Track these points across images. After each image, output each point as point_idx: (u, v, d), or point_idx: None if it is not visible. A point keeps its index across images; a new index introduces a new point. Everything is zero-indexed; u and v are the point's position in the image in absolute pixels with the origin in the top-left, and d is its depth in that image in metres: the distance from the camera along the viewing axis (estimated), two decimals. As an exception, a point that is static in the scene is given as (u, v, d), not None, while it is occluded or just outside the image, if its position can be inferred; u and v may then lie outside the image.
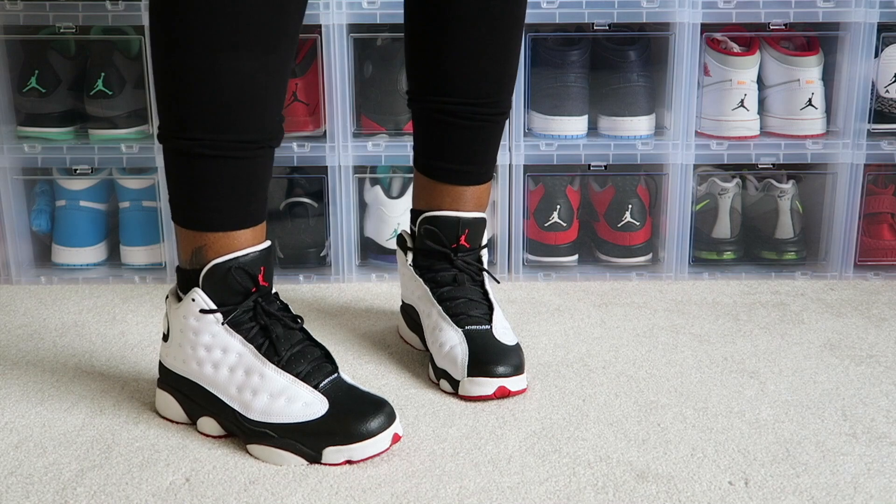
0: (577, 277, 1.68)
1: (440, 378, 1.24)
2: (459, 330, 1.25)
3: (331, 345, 1.38)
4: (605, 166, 1.65)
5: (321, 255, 1.69)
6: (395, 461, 1.06)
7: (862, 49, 1.59)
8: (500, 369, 1.20)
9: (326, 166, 1.63)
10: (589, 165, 1.65)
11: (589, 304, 1.56)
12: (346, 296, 1.60)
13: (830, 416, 1.17)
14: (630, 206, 1.67)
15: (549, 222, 1.68)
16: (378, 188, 1.67)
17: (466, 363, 1.20)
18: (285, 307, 1.13)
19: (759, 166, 1.66)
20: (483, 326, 1.25)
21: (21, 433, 1.13)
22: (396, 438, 1.07)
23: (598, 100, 1.67)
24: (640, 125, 1.65)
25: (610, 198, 1.69)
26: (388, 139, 1.65)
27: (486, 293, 1.30)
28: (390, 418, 1.06)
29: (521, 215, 1.67)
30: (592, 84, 1.66)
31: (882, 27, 1.59)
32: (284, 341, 1.09)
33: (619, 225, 1.68)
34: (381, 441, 1.05)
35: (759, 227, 1.71)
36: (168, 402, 1.15)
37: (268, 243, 1.11)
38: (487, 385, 1.19)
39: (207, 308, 1.08)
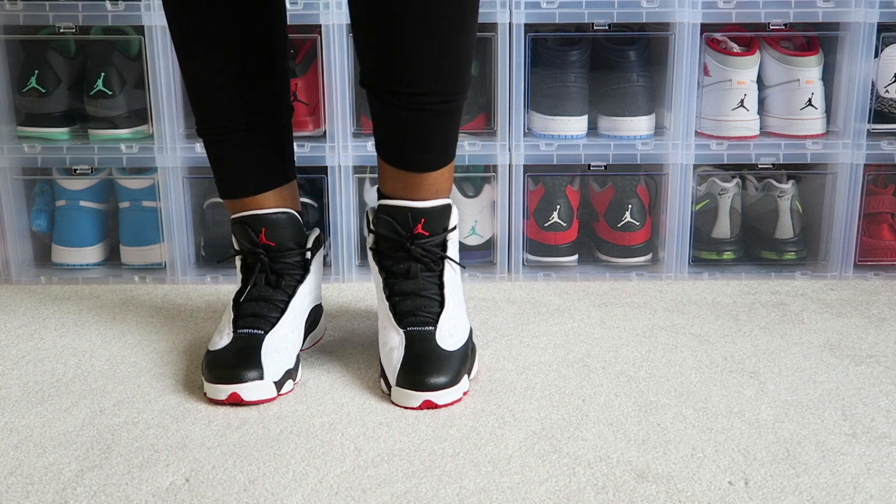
0: (577, 277, 1.68)
1: (381, 377, 1.23)
2: (401, 331, 1.22)
3: (331, 345, 1.38)
4: (605, 166, 1.65)
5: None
6: (395, 461, 1.06)
7: (862, 49, 1.59)
8: (430, 381, 1.16)
9: (326, 166, 1.63)
10: (589, 165, 1.65)
11: (589, 304, 1.56)
12: (346, 296, 1.60)
13: (830, 416, 1.17)
14: (630, 206, 1.67)
15: (549, 222, 1.68)
16: (378, 188, 1.67)
17: (398, 371, 1.18)
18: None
19: (759, 166, 1.66)
20: (427, 328, 1.22)
21: (21, 433, 1.13)
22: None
23: (598, 100, 1.67)
24: (640, 125, 1.65)
25: (610, 198, 1.69)
26: (387, 139, 1.64)
27: (441, 286, 1.25)
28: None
29: (521, 215, 1.67)
30: (592, 84, 1.66)
31: (882, 27, 1.59)
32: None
33: (619, 225, 1.68)
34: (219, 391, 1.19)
35: (759, 227, 1.71)
36: None
37: (258, 211, 1.28)
38: (413, 398, 1.16)
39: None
